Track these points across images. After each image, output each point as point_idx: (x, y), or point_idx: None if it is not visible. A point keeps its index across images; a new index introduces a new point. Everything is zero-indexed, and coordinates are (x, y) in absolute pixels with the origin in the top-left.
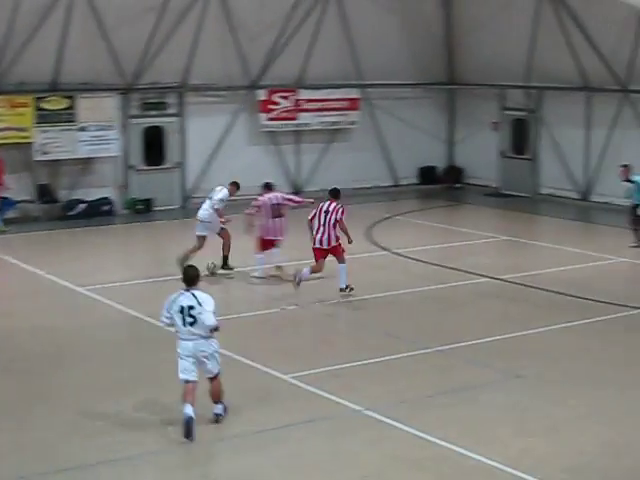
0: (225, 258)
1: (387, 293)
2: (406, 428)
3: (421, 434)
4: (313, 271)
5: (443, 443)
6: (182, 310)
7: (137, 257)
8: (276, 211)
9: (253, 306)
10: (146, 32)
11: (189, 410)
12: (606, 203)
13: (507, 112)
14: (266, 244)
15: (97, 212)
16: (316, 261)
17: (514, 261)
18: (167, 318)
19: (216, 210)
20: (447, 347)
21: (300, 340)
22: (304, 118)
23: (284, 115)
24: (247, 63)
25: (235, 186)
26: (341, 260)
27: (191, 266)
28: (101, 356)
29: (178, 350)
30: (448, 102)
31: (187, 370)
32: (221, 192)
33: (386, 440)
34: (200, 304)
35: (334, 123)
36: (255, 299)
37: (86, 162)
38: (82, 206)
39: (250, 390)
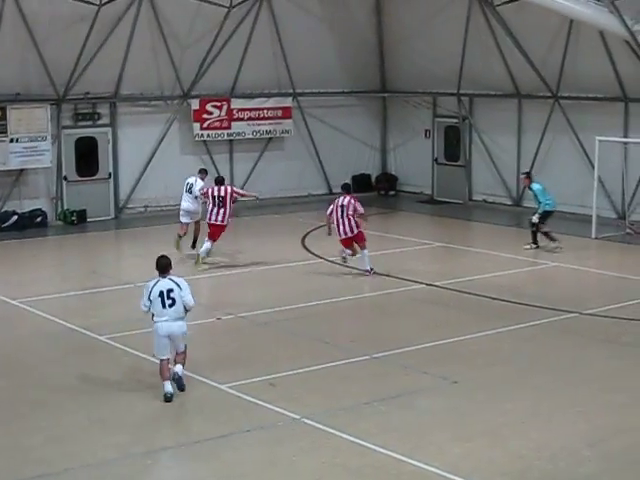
0: (195, 239)
1: (323, 301)
2: (344, 435)
3: (359, 441)
4: (352, 254)
5: (381, 450)
6: (162, 294)
7: (71, 269)
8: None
9: (189, 316)
10: (77, 42)
11: (169, 387)
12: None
13: (440, 119)
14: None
15: (30, 224)
16: (347, 248)
17: (448, 267)
18: (146, 306)
19: (197, 198)
20: (383, 354)
21: (236, 349)
22: (237, 127)
23: (217, 124)
24: (180, 73)
25: (205, 173)
26: (363, 246)
27: (163, 256)
28: (36, 369)
29: (157, 332)
30: (381, 110)
31: (164, 349)
32: (197, 183)
33: (324, 448)
34: (179, 287)
35: (268, 132)
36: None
37: (18, 173)
38: (15, 218)
39: (187, 400)
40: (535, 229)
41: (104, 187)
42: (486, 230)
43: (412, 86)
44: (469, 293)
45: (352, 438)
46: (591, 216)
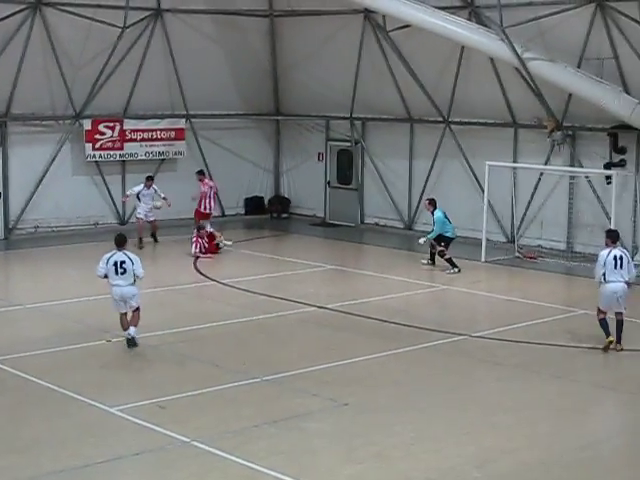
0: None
1: (214, 324)
2: (234, 458)
3: (249, 464)
4: None
5: (271, 472)
6: (115, 264)
7: None
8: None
9: (78, 338)
10: None
11: (132, 331)
12: (430, 232)
13: (333, 143)
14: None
15: None
16: None
17: (340, 290)
18: (101, 270)
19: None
20: (274, 376)
21: (126, 372)
22: (130, 148)
23: (109, 145)
24: (72, 92)
25: (151, 180)
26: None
27: (120, 234)
28: None
29: (112, 294)
30: (274, 133)
31: (120, 306)
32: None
33: (214, 471)
34: (131, 260)
35: (160, 153)
36: (80, 330)
37: None
38: None
39: (76, 423)
40: (435, 252)
41: None
42: (378, 253)
43: (306, 109)
44: (360, 316)
45: (241, 461)
46: (481, 240)
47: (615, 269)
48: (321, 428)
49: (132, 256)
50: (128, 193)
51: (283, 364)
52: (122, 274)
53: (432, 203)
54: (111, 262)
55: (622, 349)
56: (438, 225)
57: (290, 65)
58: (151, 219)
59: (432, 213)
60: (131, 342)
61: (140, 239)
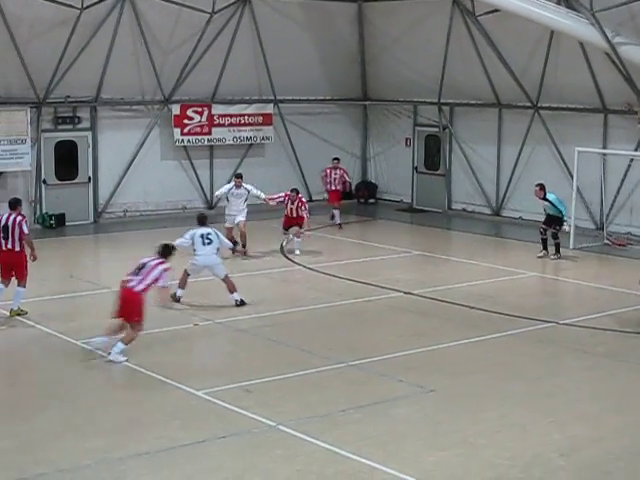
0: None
1: (301, 308)
2: (320, 443)
3: (335, 449)
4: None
5: (356, 457)
6: (202, 236)
7: (49, 273)
8: None
9: (166, 321)
10: (59, 45)
11: (235, 296)
12: (517, 218)
13: (420, 128)
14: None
15: None
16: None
17: (427, 276)
18: (186, 242)
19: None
20: (360, 362)
21: (213, 356)
22: (218, 133)
23: (198, 130)
24: (161, 77)
25: (240, 178)
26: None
27: (202, 213)
28: (11, 373)
29: (197, 263)
30: (362, 118)
31: (198, 272)
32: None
33: (300, 455)
34: (216, 233)
35: (248, 138)
36: (168, 314)
37: None
38: None
39: (163, 406)
40: (545, 238)
41: (83, 191)
42: (465, 239)
43: (393, 94)
44: (447, 302)
45: (327, 445)
46: (569, 227)
47: None
48: (407, 414)
49: (214, 230)
50: (217, 194)
51: (369, 349)
52: (208, 244)
53: (543, 188)
54: (197, 235)
55: None
56: (560, 204)
57: (378, 50)
58: (240, 220)
59: (544, 199)
60: (241, 302)
61: (236, 243)
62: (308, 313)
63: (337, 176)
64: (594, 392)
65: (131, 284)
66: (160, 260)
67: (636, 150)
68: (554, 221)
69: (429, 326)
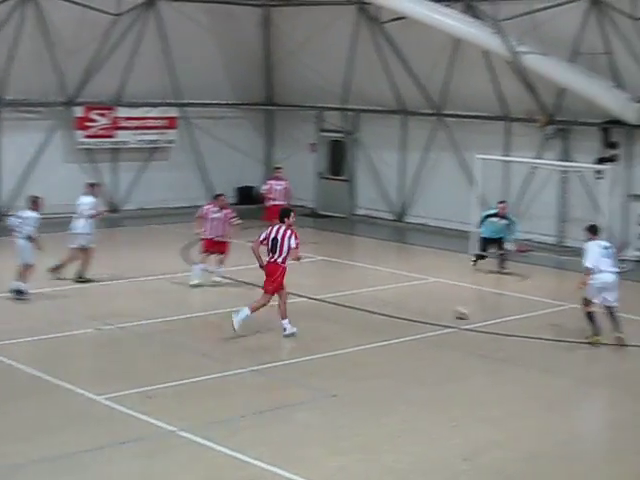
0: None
1: (204, 313)
2: (221, 449)
3: (236, 454)
4: None
5: (257, 463)
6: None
7: None
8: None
9: (67, 326)
10: None
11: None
12: (420, 224)
13: (324, 134)
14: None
15: None
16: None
17: (330, 281)
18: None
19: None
20: (262, 367)
21: (114, 361)
22: (122, 136)
23: (101, 133)
24: (64, 79)
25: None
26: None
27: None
28: None
29: None
30: (266, 123)
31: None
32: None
33: (200, 461)
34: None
35: (152, 142)
36: (69, 319)
37: None
38: None
39: (63, 411)
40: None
41: None
42: (368, 244)
43: (299, 100)
44: (350, 307)
45: (228, 451)
46: (470, 233)
47: (605, 259)
48: (308, 419)
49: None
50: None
51: (271, 355)
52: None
53: (506, 205)
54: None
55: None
56: (516, 225)
57: (284, 55)
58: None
59: (505, 217)
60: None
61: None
62: (210, 317)
63: (280, 188)
64: (495, 397)
65: (273, 259)
66: (284, 228)
67: (537, 158)
68: (495, 242)
69: (332, 331)
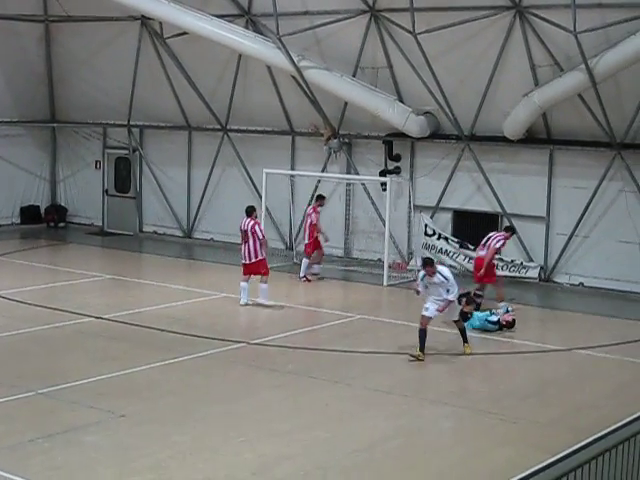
0: None
1: None
2: (8, 475)
3: None
4: None
5: None
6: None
7: None
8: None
9: None
10: None
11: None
12: (209, 240)
13: (110, 150)
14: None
15: None
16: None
17: (118, 299)
18: None
19: None
20: (50, 389)
21: None
22: None
23: None
24: None
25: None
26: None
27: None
28: None
29: None
30: (50, 140)
31: None
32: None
33: None
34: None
35: None
36: None
37: None
38: None
39: None
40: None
41: None
42: (157, 262)
43: (82, 116)
44: (138, 325)
45: (16, 478)
46: None
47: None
48: (97, 441)
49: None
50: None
51: (59, 376)
52: None
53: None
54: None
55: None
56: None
57: (66, 71)
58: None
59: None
60: None
61: None
62: None
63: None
64: (285, 410)
65: (480, 254)
66: (502, 235)
67: (323, 171)
68: None
69: (120, 350)
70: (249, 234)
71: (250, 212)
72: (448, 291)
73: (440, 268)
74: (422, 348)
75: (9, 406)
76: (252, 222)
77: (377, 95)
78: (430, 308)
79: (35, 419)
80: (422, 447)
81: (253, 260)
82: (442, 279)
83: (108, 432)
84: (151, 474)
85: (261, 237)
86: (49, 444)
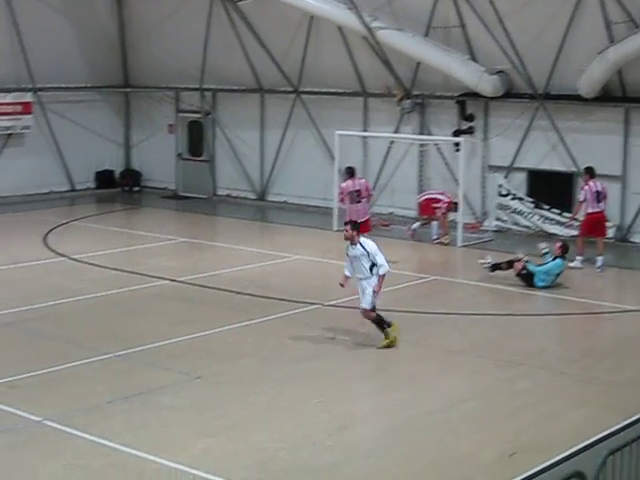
0: None
1: (66, 300)
2: (87, 436)
3: (102, 441)
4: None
5: (125, 449)
6: None
7: None
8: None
9: None
10: None
11: None
12: (282, 202)
13: (183, 114)
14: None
15: None
16: None
17: (192, 262)
18: None
19: None
20: (127, 351)
21: None
22: None
23: None
24: None
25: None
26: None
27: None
28: None
29: None
30: (123, 105)
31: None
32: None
33: (67, 450)
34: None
35: (7, 128)
36: None
37: None
38: None
39: None
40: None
41: None
42: (230, 224)
43: (155, 81)
44: (213, 288)
45: (95, 438)
46: (332, 209)
47: None
48: (174, 402)
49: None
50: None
51: (135, 339)
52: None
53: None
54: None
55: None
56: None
57: (139, 36)
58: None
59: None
60: None
61: None
62: (73, 304)
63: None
64: (359, 372)
65: (599, 209)
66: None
67: (395, 132)
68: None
69: (195, 313)
70: (362, 193)
71: (354, 172)
72: (374, 266)
73: (363, 239)
74: (388, 326)
75: (88, 368)
76: (364, 181)
77: (450, 54)
78: (365, 299)
79: (113, 381)
80: (497, 408)
81: (363, 219)
82: (362, 251)
83: (184, 394)
84: (228, 434)
85: (373, 193)
86: (126, 405)
